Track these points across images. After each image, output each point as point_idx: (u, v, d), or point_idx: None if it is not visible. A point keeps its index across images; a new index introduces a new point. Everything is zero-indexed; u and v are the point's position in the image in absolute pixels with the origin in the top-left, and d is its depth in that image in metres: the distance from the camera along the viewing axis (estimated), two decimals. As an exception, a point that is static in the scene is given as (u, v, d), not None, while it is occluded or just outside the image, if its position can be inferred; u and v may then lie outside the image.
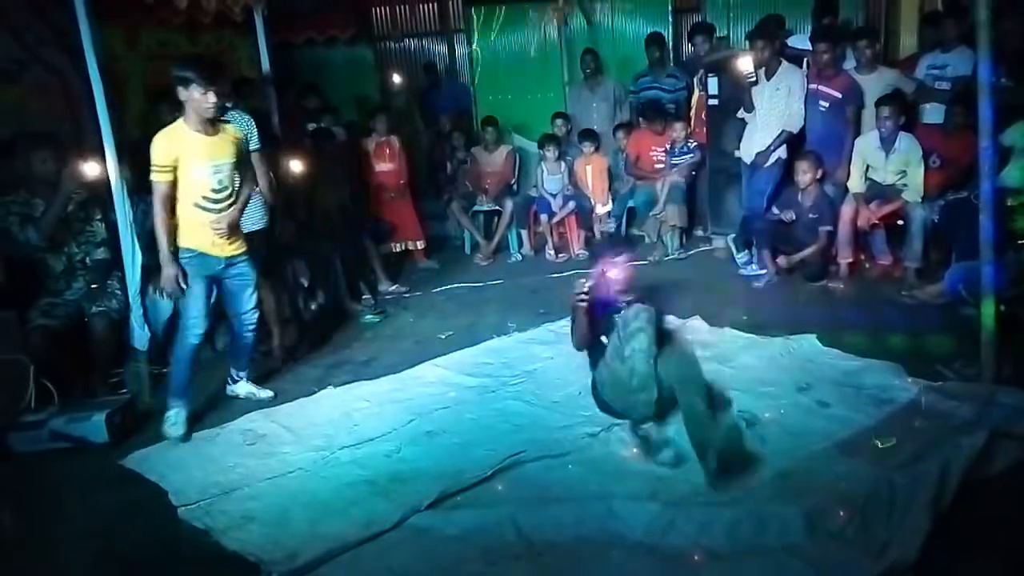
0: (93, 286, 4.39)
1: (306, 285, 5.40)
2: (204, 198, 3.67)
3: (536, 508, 2.87)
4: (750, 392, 3.68)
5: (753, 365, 4.04)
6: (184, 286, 3.68)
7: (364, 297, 5.80)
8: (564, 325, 4.64)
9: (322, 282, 5.51)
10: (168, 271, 3.65)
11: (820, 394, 3.62)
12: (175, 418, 3.79)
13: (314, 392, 4.23)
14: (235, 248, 3.87)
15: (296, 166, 5.45)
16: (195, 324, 3.78)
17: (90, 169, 4.24)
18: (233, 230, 3.85)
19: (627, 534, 2.69)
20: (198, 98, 3.53)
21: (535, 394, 3.94)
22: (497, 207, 7.05)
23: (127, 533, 3.04)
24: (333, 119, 7.17)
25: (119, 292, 4.38)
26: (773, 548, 2.55)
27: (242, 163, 3.88)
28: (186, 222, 3.69)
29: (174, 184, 3.61)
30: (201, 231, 3.72)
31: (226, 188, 3.72)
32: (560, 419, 3.64)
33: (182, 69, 3.57)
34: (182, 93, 3.55)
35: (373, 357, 4.75)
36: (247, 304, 4.01)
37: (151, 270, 4.34)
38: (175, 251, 3.68)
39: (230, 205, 3.77)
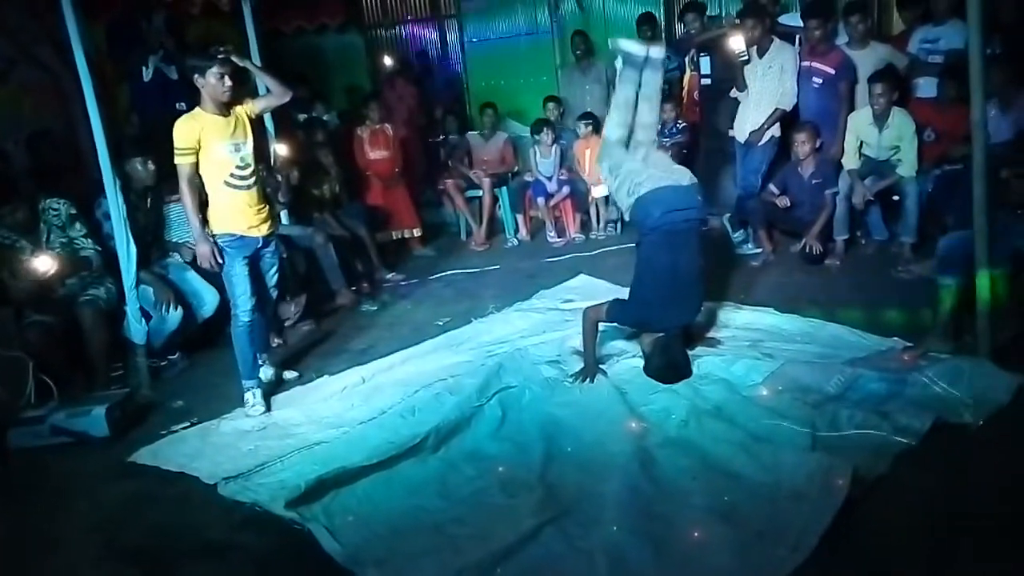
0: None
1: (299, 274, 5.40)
2: (232, 175, 3.77)
3: (542, 446, 3.19)
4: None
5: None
6: (219, 261, 3.79)
7: (362, 285, 5.82)
8: (547, 300, 5.05)
9: (316, 271, 5.51)
10: (203, 247, 3.77)
11: (767, 349, 3.92)
12: (254, 399, 3.91)
13: (312, 380, 4.27)
14: (269, 227, 3.99)
15: (286, 155, 5.47)
16: (243, 303, 3.88)
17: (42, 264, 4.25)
18: (268, 208, 3.98)
19: (621, 465, 2.95)
20: (214, 83, 3.66)
21: (528, 356, 4.04)
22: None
23: (138, 524, 3.06)
24: (325, 107, 7.16)
25: (111, 285, 4.41)
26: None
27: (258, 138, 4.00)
28: (223, 206, 3.80)
29: (197, 166, 3.72)
30: (238, 215, 3.82)
31: (249, 165, 3.83)
32: (553, 372, 3.86)
33: (198, 58, 3.71)
34: (199, 80, 3.67)
35: (371, 345, 4.75)
36: (271, 281, 4.14)
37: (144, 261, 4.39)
38: (207, 228, 3.79)
39: (256, 182, 3.88)
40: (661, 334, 3.68)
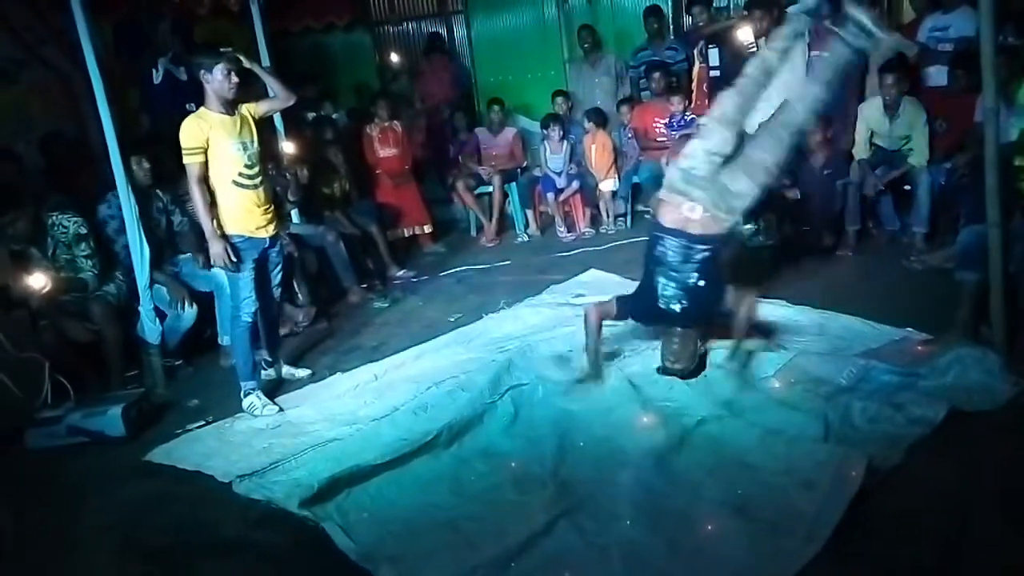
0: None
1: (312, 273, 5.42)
2: (240, 174, 3.78)
3: (555, 441, 3.19)
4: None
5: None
6: (234, 259, 3.78)
7: (374, 283, 5.83)
8: (558, 295, 5.03)
9: (327, 269, 5.53)
10: (216, 247, 3.75)
11: (779, 341, 3.88)
12: (257, 400, 3.90)
13: (325, 377, 4.29)
14: (275, 227, 4.01)
15: (296, 154, 5.49)
16: (247, 304, 3.89)
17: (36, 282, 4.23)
18: (274, 208, 3.99)
19: (634, 460, 2.96)
20: (220, 79, 3.67)
21: (540, 352, 4.00)
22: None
23: (154, 523, 3.08)
24: (334, 106, 7.17)
25: (121, 281, 4.46)
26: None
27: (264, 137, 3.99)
28: (231, 206, 3.80)
29: (206, 165, 3.72)
30: (246, 214, 3.82)
31: (256, 165, 3.84)
32: (564, 368, 3.79)
33: (204, 56, 3.72)
34: (205, 76, 3.69)
35: (383, 342, 4.76)
36: (275, 279, 4.15)
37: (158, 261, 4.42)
38: (220, 228, 3.79)
39: (263, 181, 3.89)
40: (676, 328, 3.64)
